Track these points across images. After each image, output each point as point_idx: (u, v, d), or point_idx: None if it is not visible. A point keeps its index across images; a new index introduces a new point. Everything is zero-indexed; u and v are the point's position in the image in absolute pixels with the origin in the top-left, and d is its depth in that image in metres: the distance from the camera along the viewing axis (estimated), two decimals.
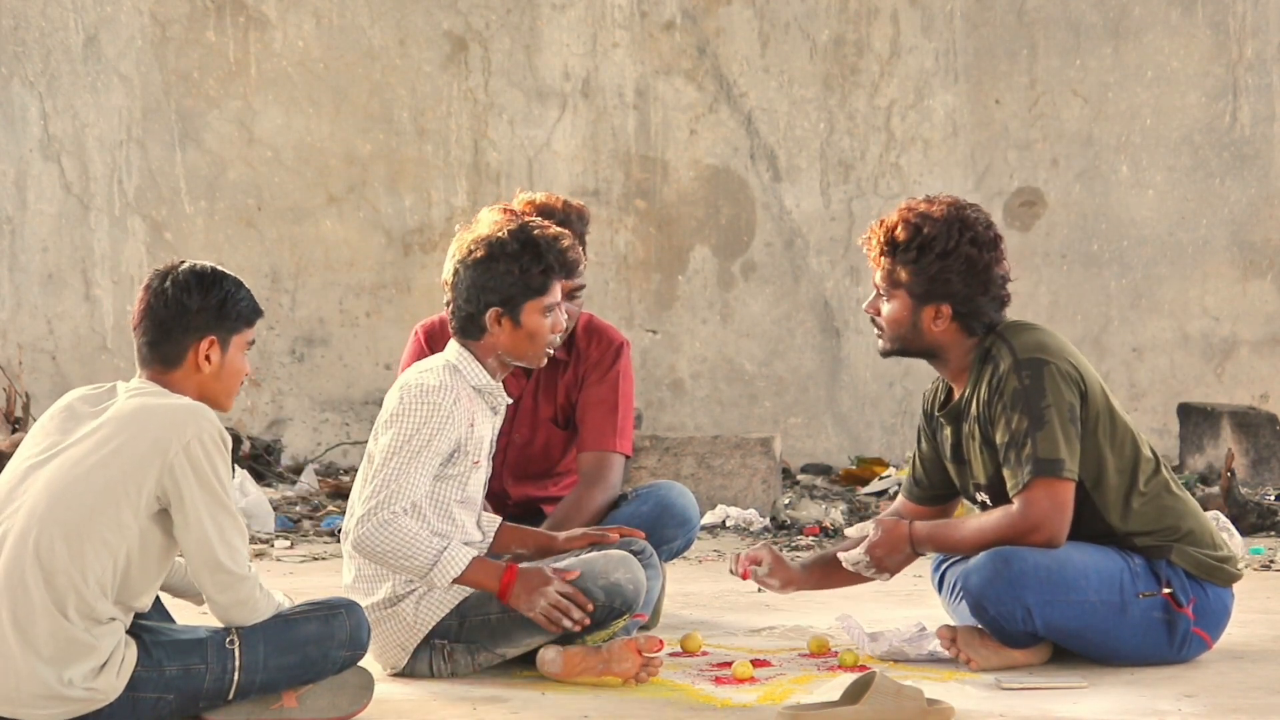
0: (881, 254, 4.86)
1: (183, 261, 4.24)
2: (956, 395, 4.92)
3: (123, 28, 9.50)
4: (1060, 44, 9.71)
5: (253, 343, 4.27)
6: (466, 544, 4.76)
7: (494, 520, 4.97)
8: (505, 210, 4.99)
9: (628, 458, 5.44)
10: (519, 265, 4.72)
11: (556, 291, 4.78)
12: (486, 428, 4.79)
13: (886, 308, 4.87)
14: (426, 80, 9.62)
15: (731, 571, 5.04)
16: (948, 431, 4.94)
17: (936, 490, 5.07)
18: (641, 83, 9.69)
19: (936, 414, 4.98)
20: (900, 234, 4.83)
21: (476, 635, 4.71)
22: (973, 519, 4.85)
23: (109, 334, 9.44)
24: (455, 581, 4.62)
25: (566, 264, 4.79)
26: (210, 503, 4.03)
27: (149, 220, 9.50)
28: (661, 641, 4.67)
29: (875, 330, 4.94)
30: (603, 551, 4.83)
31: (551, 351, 4.83)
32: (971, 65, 9.72)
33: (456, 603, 4.70)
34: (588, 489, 5.31)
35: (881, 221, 4.90)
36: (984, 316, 4.83)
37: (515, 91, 9.65)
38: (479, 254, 4.74)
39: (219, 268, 4.24)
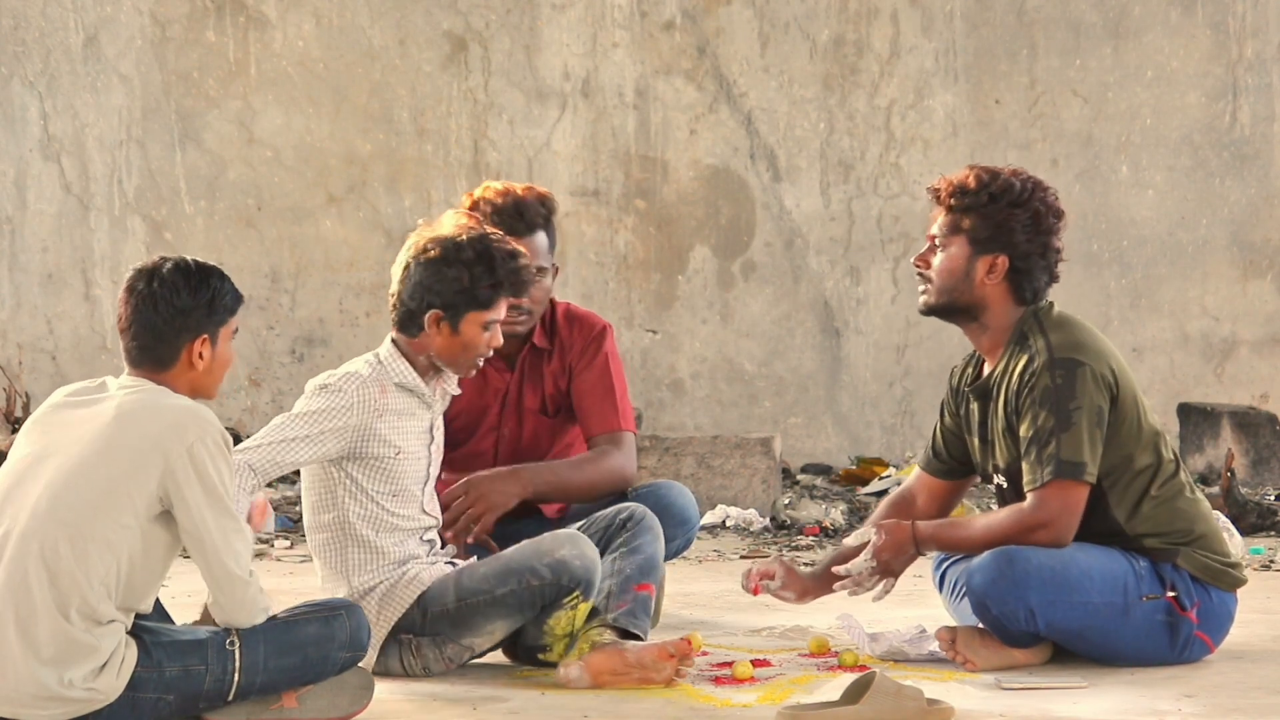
0: (949, 197, 4.86)
1: (164, 260, 4.19)
2: (987, 371, 4.90)
3: (123, 28, 9.50)
4: (1060, 44, 9.72)
5: (237, 330, 4.25)
6: (423, 530, 4.82)
7: (446, 399, 4.96)
8: (471, 215, 4.96)
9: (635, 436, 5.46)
10: (469, 274, 4.72)
11: (501, 309, 4.78)
12: (415, 421, 4.79)
13: (940, 257, 4.86)
14: (426, 80, 9.62)
15: (743, 588, 5.00)
16: (974, 407, 4.92)
17: (955, 464, 5.05)
18: (641, 83, 9.69)
19: (965, 389, 4.97)
20: (972, 182, 4.85)
21: (439, 627, 4.72)
22: (979, 518, 4.85)
23: (109, 334, 9.44)
24: None
25: (517, 284, 4.78)
26: (213, 506, 4.03)
27: (149, 220, 9.50)
28: (690, 641, 4.67)
29: (921, 285, 4.91)
30: (550, 531, 4.84)
31: (480, 363, 4.83)
32: (971, 65, 9.72)
33: (416, 597, 4.71)
34: (603, 454, 5.31)
35: (948, 177, 4.91)
36: (1035, 281, 4.86)
37: (515, 91, 9.65)
38: (433, 253, 4.75)
39: (200, 262, 4.20)
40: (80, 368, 9.35)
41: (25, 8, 9.45)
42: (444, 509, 5.03)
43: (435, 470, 4.89)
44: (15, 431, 8.87)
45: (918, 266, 4.92)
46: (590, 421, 5.38)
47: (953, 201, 4.86)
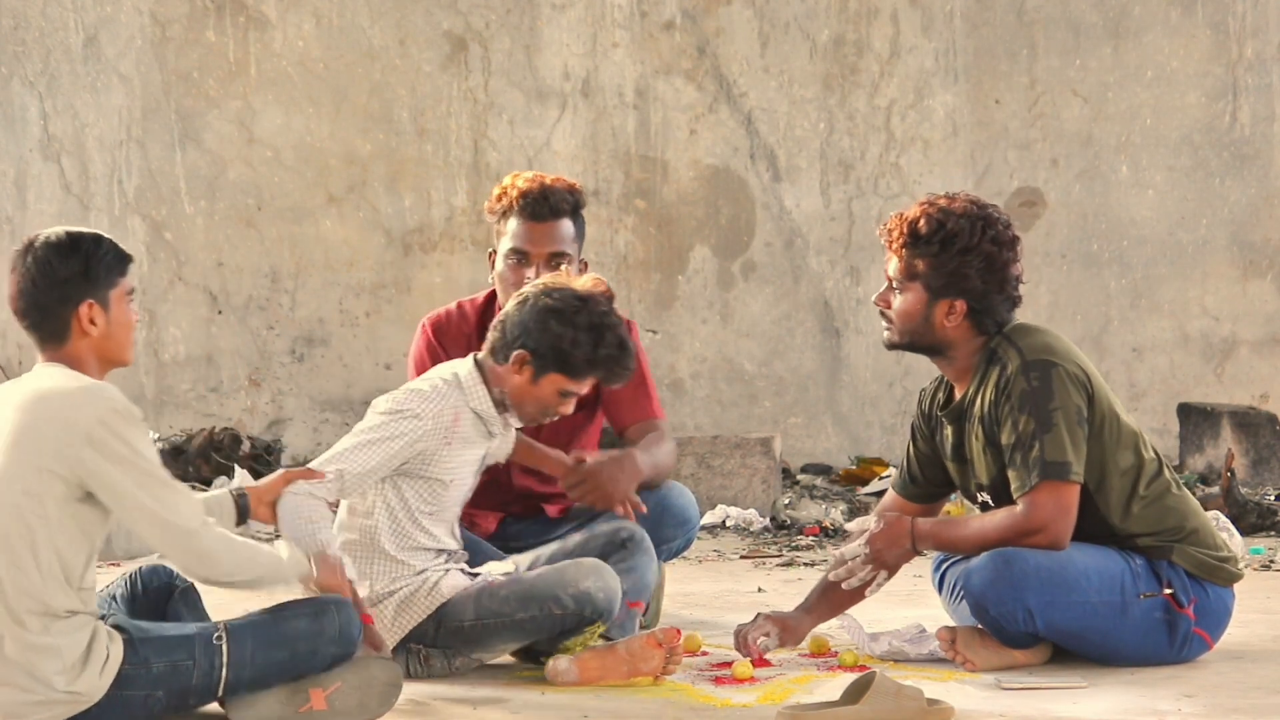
0: (901, 245, 4.84)
1: (38, 235, 4.15)
2: (959, 395, 4.91)
3: (123, 28, 9.50)
4: (1060, 44, 9.71)
5: (133, 290, 4.21)
6: (445, 551, 4.79)
7: (510, 432, 4.94)
8: (607, 289, 4.87)
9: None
10: (573, 339, 4.66)
11: (585, 385, 4.75)
12: (474, 451, 4.78)
13: (899, 300, 4.86)
14: (426, 80, 9.62)
15: (745, 657, 4.95)
16: (949, 431, 4.93)
17: (930, 488, 5.07)
18: (641, 83, 9.69)
19: (937, 414, 4.98)
20: (922, 227, 4.80)
21: (451, 640, 4.71)
22: (975, 518, 4.84)
23: None
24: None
25: (613, 372, 4.74)
26: (135, 476, 3.96)
27: (149, 220, 9.50)
28: (678, 630, 4.67)
29: (884, 322, 4.92)
30: (575, 560, 4.82)
31: (543, 420, 4.81)
32: (971, 65, 9.72)
33: (435, 608, 4.71)
34: (654, 441, 5.34)
35: (901, 214, 4.87)
36: (996, 315, 4.83)
37: (515, 91, 9.65)
38: (552, 302, 4.69)
39: (73, 230, 4.16)
40: None
41: (25, 8, 9.45)
42: (570, 486, 5.06)
43: (470, 494, 4.88)
44: None
45: (879, 306, 4.91)
46: (625, 412, 5.40)
47: (903, 250, 4.84)
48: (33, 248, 4.13)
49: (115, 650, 4.02)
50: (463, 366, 4.77)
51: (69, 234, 4.15)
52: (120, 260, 4.16)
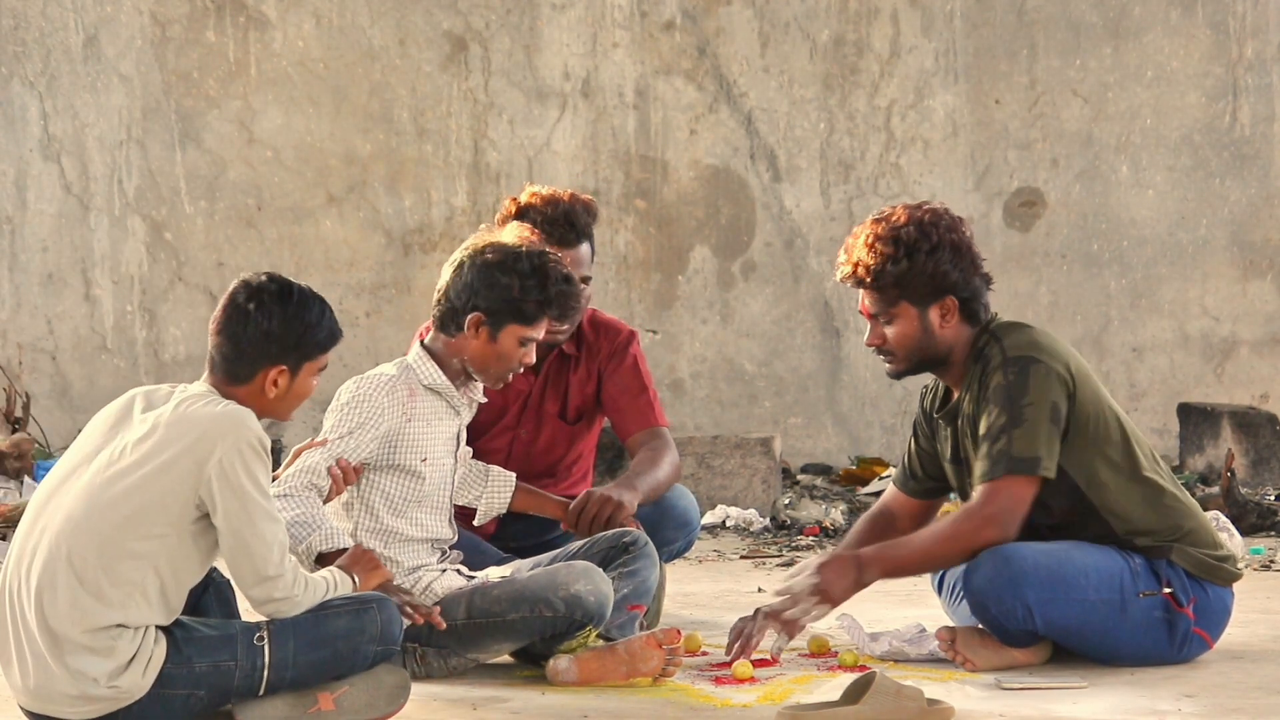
0: (870, 280, 4.82)
1: (271, 280, 4.15)
2: (954, 396, 4.92)
3: (123, 28, 9.50)
4: (1060, 44, 9.72)
5: (325, 366, 4.20)
6: (439, 541, 4.82)
7: (509, 477, 5.02)
8: (534, 231, 4.93)
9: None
10: (521, 285, 4.69)
11: (542, 328, 4.76)
12: (443, 427, 4.79)
13: (892, 330, 4.85)
14: (426, 80, 9.62)
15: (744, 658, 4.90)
16: (947, 433, 4.94)
17: (929, 484, 5.08)
18: (641, 83, 9.69)
19: (936, 415, 4.99)
20: (883, 250, 4.80)
21: (446, 640, 4.71)
22: (922, 530, 4.84)
23: (109, 334, 9.44)
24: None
25: (565, 307, 4.76)
26: (246, 510, 4.00)
27: (149, 220, 9.50)
28: (679, 631, 4.67)
29: (883, 358, 4.91)
30: (567, 561, 4.82)
31: (510, 377, 4.81)
32: (971, 65, 9.72)
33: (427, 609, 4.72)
34: (656, 450, 5.34)
35: (848, 253, 4.85)
36: (982, 296, 4.86)
37: (515, 91, 9.65)
38: (490, 257, 4.72)
39: (304, 289, 4.15)
40: (80, 368, 9.35)
41: (25, 8, 9.45)
42: (572, 523, 5.06)
43: (457, 478, 4.88)
44: (15, 431, 8.87)
45: (874, 346, 4.90)
46: (628, 421, 5.41)
47: (874, 284, 4.82)
48: (262, 291, 4.11)
49: (158, 649, 4.02)
50: (410, 353, 4.82)
51: (300, 293, 4.13)
52: (330, 339, 4.17)
